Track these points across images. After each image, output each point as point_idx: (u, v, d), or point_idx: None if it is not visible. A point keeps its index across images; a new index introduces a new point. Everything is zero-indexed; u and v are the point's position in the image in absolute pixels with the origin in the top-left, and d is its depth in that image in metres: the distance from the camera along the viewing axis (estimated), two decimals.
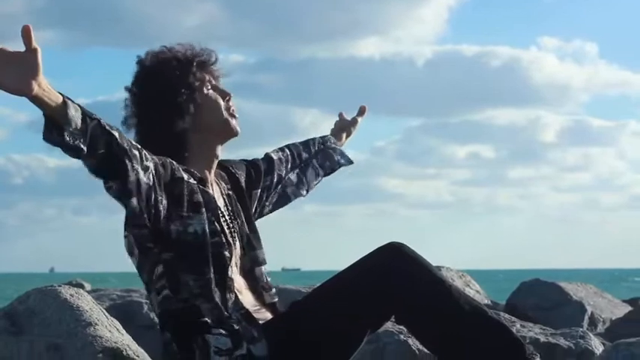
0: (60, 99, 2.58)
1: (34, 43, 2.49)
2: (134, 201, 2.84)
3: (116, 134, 2.74)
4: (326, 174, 3.70)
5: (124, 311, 5.29)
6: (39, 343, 3.39)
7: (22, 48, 2.50)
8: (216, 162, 3.23)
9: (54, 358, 3.37)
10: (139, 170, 2.81)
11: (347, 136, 3.90)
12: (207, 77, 3.22)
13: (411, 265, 3.04)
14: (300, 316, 3.10)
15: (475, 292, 6.14)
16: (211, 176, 3.20)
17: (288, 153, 3.59)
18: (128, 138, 2.83)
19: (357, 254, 3.13)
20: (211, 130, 3.18)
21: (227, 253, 3.07)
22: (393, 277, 3.01)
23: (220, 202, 3.18)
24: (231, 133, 3.23)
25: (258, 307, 3.17)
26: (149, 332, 5.04)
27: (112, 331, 3.55)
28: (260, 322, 3.08)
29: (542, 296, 6.25)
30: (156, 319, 5.10)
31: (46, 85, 2.54)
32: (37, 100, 2.53)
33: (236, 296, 3.07)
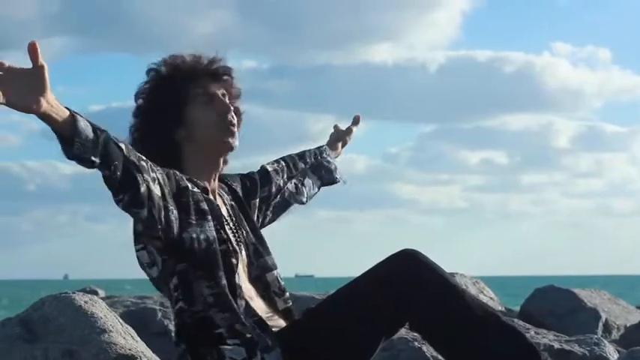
0: (67, 114, 2.59)
1: (41, 60, 2.50)
2: (145, 212, 2.84)
3: (123, 147, 2.76)
4: (323, 185, 3.74)
5: (137, 318, 5.29)
6: (53, 350, 3.40)
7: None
8: (216, 173, 3.24)
9: None
10: (149, 181, 2.82)
11: (342, 146, 3.98)
12: (207, 89, 3.22)
13: (425, 272, 3.04)
14: (314, 323, 3.11)
15: (489, 298, 6.12)
16: (213, 186, 3.21)
17: (284, 164, 3.63)
18: (134, 150, 2.84)
19: (370, 260, 3.14)
20: (204, 143, 3.19)
21: (234, 261, 3.08)
22: (408, 284, 3.01)
23: (224, 211, 3.19)
24: (225, 148, 3.23)
25: (270, 314, 3.17)
26: (163, 339, 5.04)
27: (127, 338, 3.55)
28: (273, 329, 3.09)
29: (556, 303, 6.22)
30: (170, 327, 5.13)
31: (54, 101, 2.55)
32: (46, 117, 2.54)
33: (247, 303, 3.07)
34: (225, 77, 3.28)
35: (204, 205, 3.06)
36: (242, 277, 3.12)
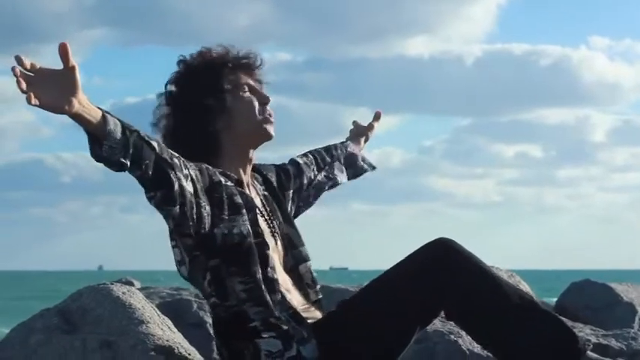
0: (99, 114, 2.60)
1: (72, 61, 2.51)
2: (177, 209, 2.85)
3: (155, 144, 2.77)
4: (351, 173, 3.76)
5: (173, 309, 5.31)
6: (91, 341, 3.42)
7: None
8: (250, 164, 3.25)
9: (106, 356, 3.39)
10: (182, 178, 2.83)
11: (365, 141, 3.97)
12: (243, 80, 3.23)
13: (460, 261, 3.04)
14: (349, 315, 3.11)
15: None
16: (247, 177, 3.22)
17: (312, 158, 3.64)
18: (166, 147, 2.85)
19: (404, 253, 3.12)
20: (243, 133, 3.20)
21: (270, 253, 3.09)
22: (443, 272, 3.01)
23: (258, 203, 3.20)
24: (263, 137, 3.25)
25: (306, 306, 3.18)
26: (198, 330, 5.06)
27: (164, 329, 3.57)
28: (309, 321, 3.10)
29: (592, 297, 6.19)
30: (205, 318, 5.15)
31: (85, 102, 2.56)
32: (78, 117, 2.55)
33: (282, 296, 3.08)
34: (259, 69, 3.30)
35: (238, 199, 3.07)
36: (278, 269, 3.13)
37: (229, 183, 3.08)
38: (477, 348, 4.15)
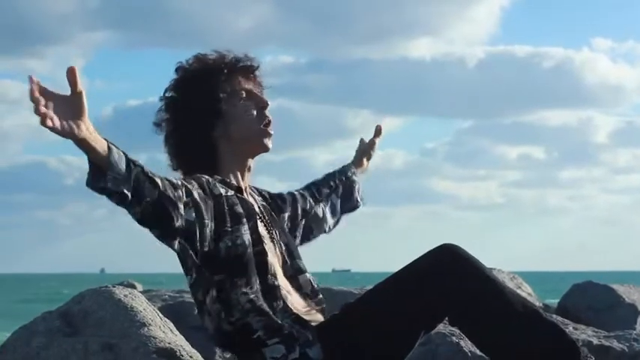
0: (105, 144, 2.58)
1: (80, 86, 2.47)
2: (175, 244, 2.87)
3: (159, 181, 2.75)
4: (343, 212, 3.76)
5: (175, 312, 5.31)
6: (93, 344, 3.42)
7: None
8: (249, 172, 3.25)
9: (108, 359, 3.39)
10: (183, 213, 2.82)
11: (367, 159, 3.96)
12: (241, 85, 3.23)
13: (465, 267, 3.05)
14: (353, 317, 3.12)
15: (527, 294, 6.11)
16: (245, 184, 3.23)
17: (308, 192, 3.64)
18: (170, 179, 2.83)
19: (407, 255, 3.15)
20: (240, 139, 3.21)
21: (270, 259, 3.09)
22: (448, 278, 3.02)
23: (256, 209, 3.20)
24: (260, 148, 3.25)
25: (308, 309, 3.18)
26: (201, 333, 5.06)
27: (166, 332, 3.57)
28: (312, 324, 3.10)
29: (594, 298, 6.20)
30: None
31: (91, 128, 2.53)
32: (83, 143, 2.52)
33: (284, 302, 3.09)
34: (257, 74, 3.30)
35: (239, 208, 3.08)
36: (278, 274, 3.13)
37: (229, 192, 3.09)
38: (479, 350, 4.14)
